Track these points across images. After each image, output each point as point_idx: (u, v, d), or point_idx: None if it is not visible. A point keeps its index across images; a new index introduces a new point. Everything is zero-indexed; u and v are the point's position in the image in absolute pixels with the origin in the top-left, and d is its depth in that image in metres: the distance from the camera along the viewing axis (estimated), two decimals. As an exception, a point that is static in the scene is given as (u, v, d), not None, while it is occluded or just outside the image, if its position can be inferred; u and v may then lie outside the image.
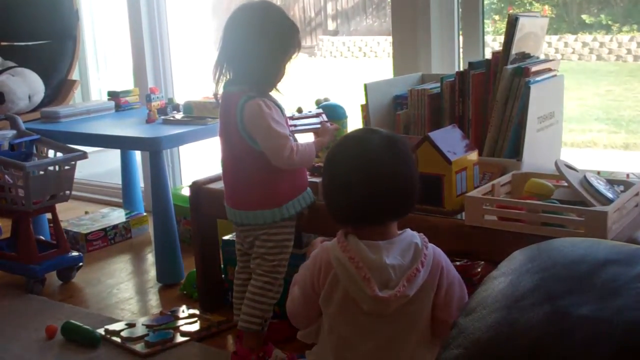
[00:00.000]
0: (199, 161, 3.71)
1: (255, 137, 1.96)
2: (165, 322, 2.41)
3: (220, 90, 2.04)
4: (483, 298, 1.19)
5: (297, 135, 2.11)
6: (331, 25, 9.13)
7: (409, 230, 1.54)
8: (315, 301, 1.54)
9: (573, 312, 1.04)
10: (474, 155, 1.93)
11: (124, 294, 2.78)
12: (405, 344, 1.50)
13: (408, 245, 1.49)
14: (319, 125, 2.14)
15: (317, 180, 2.16)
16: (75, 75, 3.92)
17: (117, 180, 3.76)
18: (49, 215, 2.98)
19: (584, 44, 5.99)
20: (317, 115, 2.20)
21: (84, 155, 2.84)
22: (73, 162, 2.83)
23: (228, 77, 2.03)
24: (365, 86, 2.29)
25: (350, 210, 1.50)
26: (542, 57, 2.28)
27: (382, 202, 1.47)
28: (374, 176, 1.46)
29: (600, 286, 1.09)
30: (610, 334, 0.99)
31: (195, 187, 2.43)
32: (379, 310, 1.45)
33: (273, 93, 2.03)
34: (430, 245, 1.52)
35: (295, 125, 2.13)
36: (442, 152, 1.81)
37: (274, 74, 2.01)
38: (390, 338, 1.49)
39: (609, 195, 1.77)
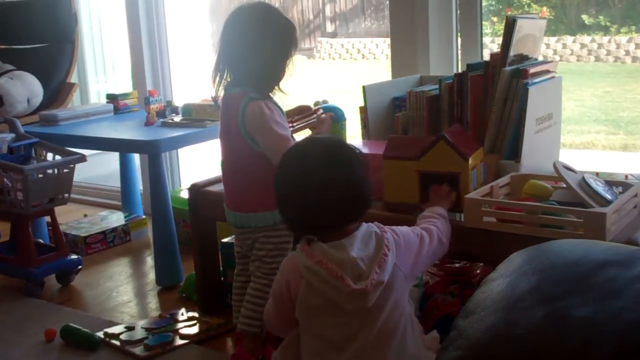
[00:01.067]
0: (198, 164, 3.71)
1: (256, 139, 1.96)
2: (165, 325, 2.41)
3: (221, 93, 2.05)
4: (482, 300, 1.19)
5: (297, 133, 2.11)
6: (330, 28, 9.14)
7: (364, 223, 1.56)
8: (289, 311, 1.56)
9: (572, 314, 1.04)
10: (480, 152, 1.94)
11: (123, 296, 2.78)
12: (394, 336, 1.51)
13: (368, 236, 1.52)
14: (314, 120, 2.15)
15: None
16: (73, 78, 3.92)
17: (116, 183, 3.76)
18: (48, 218, 2.97)
19: (583, 45, 6.00)
20: (314, 112, 2.21)
21: (82, 158, 2.84)
22: (72, 165, 2.83)
23: (228, 79, 2.03)
24: (364, 88, 2.29)
25: (301, 220, 1.54)
26: (540, 58, 2.28)
27: (333, 208, 1.50)
28: (314, 185, 1.50)
29: (598, 288, 1.09)
30: (609, 335, 1.00)
31: (194, 189, 2.43)
32: (360, 305, 1.46)
33: (276, 93, 2.04)
34: (387, 228, 1.55)
35: (293, 126, 2.13)
36: (459, 149, 1.82)
37: (276, 74, 2.01)
38: (378, 332, 1.49)
39: (608, 196, 1.77)
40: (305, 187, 1.50)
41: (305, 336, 1.56)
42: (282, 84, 2.04)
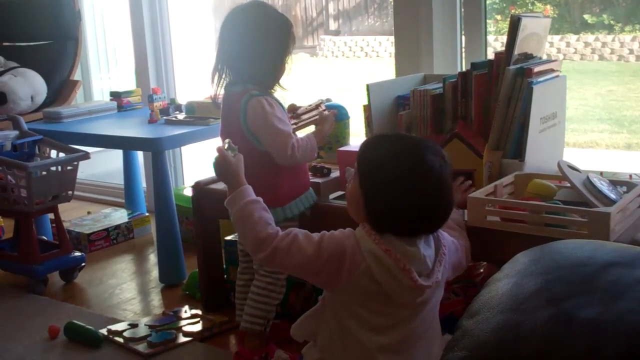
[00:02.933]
0: (201, 161, 3.70)
1: (258, 136, 1.96)
2: (168, 323, 2.41)
3: (221, 92, 2.05)
4: (487, 300, 1.18)
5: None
6: (333, 25, 9.13)
7: None
8: (317, 272, 1.49)
9: (577, 315, 1.04)
10: (487, 150, 1.95)
11: (126, 294, 2.78)
12: (427, 331, 1.55)
13: (428, 235, 1.53)
14: (317, 117, 2.15)
15: (320, 180, 2.17)
16: (77, 75, 3.92)
17: (119, 180, 3.77)
18: (51, 216, 2.98)
19: (586, 44, 5.99)
20: (317, 107, 2.20)
21: (86, 156, 2.84)
22: (75, 163, 2.83)
23: (228, 78, 2.03)
24: (368, 87, 2.28)
25: (400, 221, 1.48)
26: (544, 57, 2.28)
27: (437, 212, 1.51)
28: (429, 189, 1.47)
29: (604, 288, 1.08)
30: (615, 337, 0.99)
31: (198, 187, 2.43)
32: (413, 300, 1.48)
33: (276, 90, 2.04)
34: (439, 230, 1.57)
35: (296, 123, 2.13)
36: (473, 147, 1.83)
37: (276, 71, 2.02)
38: (416, 326, 1.52)
39: (612, 196, 1.77)
40: (407, 195, 1.45)
41: (340, 313, 1.53)
42: (282, 80, 2.04)
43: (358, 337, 1.51)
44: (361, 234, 1.50)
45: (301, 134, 2.10)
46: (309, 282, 1.59)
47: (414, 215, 1.46)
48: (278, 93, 2.06)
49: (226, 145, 1.68)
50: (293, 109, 2.18)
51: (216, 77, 2.03)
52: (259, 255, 1.53)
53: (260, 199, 1.62)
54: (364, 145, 1.55)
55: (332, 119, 2.16)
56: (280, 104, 2.01)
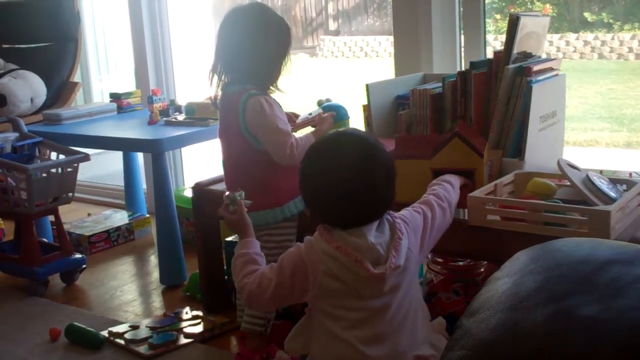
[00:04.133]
0: (202, 162, 3.71)
1: (257, 135, 1.96)
2: (169, 324, 2.41)
3: (219, 93, 2.05)
4: (487, 299, 1.18)
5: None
6: (332, 25, 9.13)
7: None
8: (289, 292, 1.55)
9: (577, 313, 1.04)
10: (487, 149, 1.95)
11: (127, 295, 2.78)
12: (407, 318, 1.55)
13: (382, 223, 1.54)
14: (315, 118, 2.15)
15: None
16: (76, 77, 3.92)
17: (119, 182, 3.77)
18: (51, 218, 2.98)
19: (586, 43, 5.98)
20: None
21: (86, 158, 2.85)
22: (75, 164, 2.83)
23: (226, 80, 2.03)
24: (367, 86, 2.29)
25: (329, 214, 1.53)
26: (543, 56, 2.28)
27: (362, 204, 1.51)
28: (346, 180, 1.50)
29: (604, 286, 1.08)
30: (615, 335, 0.99)
31: (198, 188, 2.43)
32: (377, 289, 1.49)
33: (274, 91, 2.05)
34: (397, 214, 1.58)
35: (294, 123, 2.13)
36: (474, 146, 1.83)
37: (274, 73, 2.03)
38: (394, 314, 1.52)
39: (612, 194, 1.77)
40: (338, 181, 1.49)
41: (320, 318, 1.56)
42: (280, 82, 2.04)
43: (342, 337, 1.52)
44: (316, 237, 1.53)
45: (297, 135, 2.10)
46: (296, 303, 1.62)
47: (341, 205, 1.49)
48: (276, 95, 2.06)
49: (227, 200, 1.69)
50: (291, 118, 2.19)
51: (214, 77, 2.03)
52: (244, 299, 1.63)
53: (251, 250, 1.66)
54: (310, 147, 1.62)
55: (331, 120, 2.16)
56: (279, 104, 2.01)
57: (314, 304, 1.57)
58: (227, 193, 1.69)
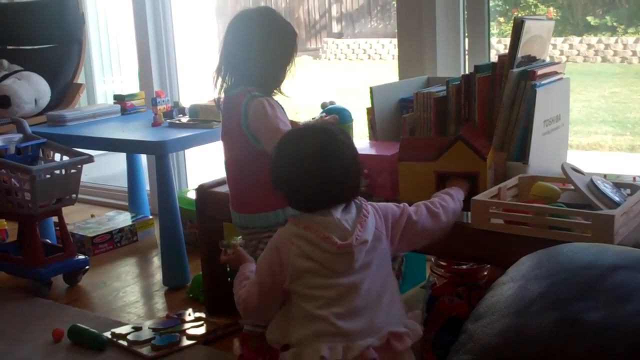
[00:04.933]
0: (205, 164, 3.71)
1: (258, 135, 1.96)
2: (172, 326, 2.41)
3: (222, 95, 2.05)
4: (492, 304, 1.18)
5: None
6: (336, 28, 9.13)
7: None
8: (274, 289, 1.59)
9: (583, 318, 1.04)
10: (493, 152, 1.95)
11: (130, 297, 2.78)
12: (381, 299, 1.56)
13: (348, 204, 1.59)
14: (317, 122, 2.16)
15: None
16: (81, 78, 3.93)
17: (123, 183, 3.77)
18: (55, 219, 2.98)
19: (589, 46, 5.98)
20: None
21: (90, 159, 2.85)
22: (79, 166, 2.84)
23: (229, 82, 2.03)
24: (371, 89, 2.28)
25: (296, 200, 1.60)
26: (548, 60, 2.28)
27: (327, 191, 1.56)
28: (310, 169, 1.56)
29: (609, 292, 1.08)
30: (620, 340, 0.99)
31: (201, 190, 2.43)
32: (348, 264, 1.52)
33: (277, 94, 2.05)
34: (367, 202, 1.63)
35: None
36: (477, 149, 1.83)
37: (277, 78, 2.02)
38: (366, 292, 1.55)
39: (616, 198, 1.76)
40: (302, 170, 1.56)
41: (297, 302, 1.58)
42: (283, 87, 2.05)
43: (317, 315, 1.54)
44: (286, 225, 1.60)
45: None
46: (287, 303, 1.64)
47: (308, 189, 1.55)
48: (280, 99, 2.06)
49: (224, 247, 1.80)
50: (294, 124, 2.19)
51: (219, 79, 2.03)
52: (240, 313, 1.69)
53: (247, 270, 1.73)
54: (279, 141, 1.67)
55: (333, 123, 2.15)
56: (281, 106, 2.01)
57: (290, 288, 1.59)
58: (222, 241, 1.82)
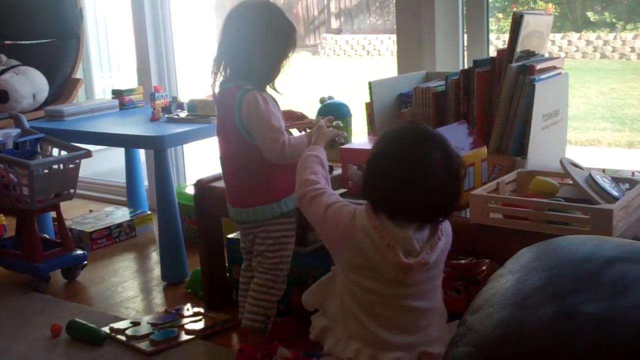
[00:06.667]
0: (203, 159, 3.71)
1: (250, 129, 1.96)
2: (170, 321, 2.41)
3: (217, 89, 2.04)
4: (490, 296, 1.18)
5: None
6: (334, 24, 9.12)
7: None
8: (320, 232, 1.66)
9: (581, 310, 1.04)
10: (482, 151, 1.94)
11: (128, 292, 2.78)
12: (424, 317, 1.57)
13: (424, 224, 1.57)
14: (310, 121, 2.15)
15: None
16: (79, 73, 3.92)
17: (121, 178, 3.77)
18: (53, 214, 2.98)
19: (588, 42, 5.98)
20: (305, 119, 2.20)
21: (88, 154, 2.85)
22: (77, 161, 2.83)
23: (225, 75, 2.02)
24: (370, 84, 2.28)
25: (398, 205, 1.53)
26: (546, 55, 2.27)
27: (435, 204, 1.54)
28: (430, 179, 1.51)
29: (608, 284, 1.08)
30: (619, 332, 0.99)
31: (200, 185, 2.43)
32: (400, 278, 1.52)
33: (271, 92, 2.04)
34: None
35: (290, 123, 2.13)
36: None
37: (273, 72, 2.02)
38: (414, 307, 1.56)
39: (615, 193, 1.76)
40: (405, 169, 1.50)
41: (341, 288, 1.61)
42: (278, 83, 2.04)
43: (358, 314, 1.56)
44: (360, 210, 1.58)
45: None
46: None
47: (404, 206, 1.52)
48: (275, 95, 2.05)
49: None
50: (294, 115, 2.18)
51: (215, 71, 2.03)
52: (296, 193, 1.74)
53: (322, 156, 1.79)
54: (388, 130, 1.63)
55: (327, 123, 2.13)
56: (275, 101, 2.01)
57: (340, 271, 1.60)
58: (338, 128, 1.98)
